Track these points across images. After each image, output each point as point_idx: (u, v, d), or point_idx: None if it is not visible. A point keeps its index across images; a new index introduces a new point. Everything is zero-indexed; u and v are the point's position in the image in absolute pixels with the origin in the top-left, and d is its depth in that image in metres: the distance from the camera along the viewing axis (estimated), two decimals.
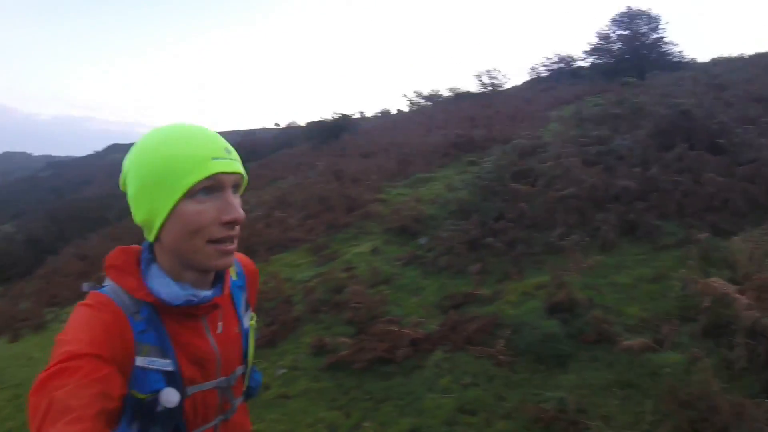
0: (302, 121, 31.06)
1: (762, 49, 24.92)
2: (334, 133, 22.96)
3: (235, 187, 1.13)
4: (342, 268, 7.13)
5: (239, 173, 1.12)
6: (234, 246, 1.13)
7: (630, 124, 9.79)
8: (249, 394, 1.40)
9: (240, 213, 1.10)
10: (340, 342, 5.14)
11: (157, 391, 1.05)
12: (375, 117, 29.74)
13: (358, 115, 27.61)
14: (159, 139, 1.09)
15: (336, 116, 24.63)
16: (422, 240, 7.54)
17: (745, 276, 4.19)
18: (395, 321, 5.30)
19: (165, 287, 1.10)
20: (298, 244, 8.77)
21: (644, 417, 3.31)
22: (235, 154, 1.13)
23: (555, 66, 28.63)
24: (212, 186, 1.07)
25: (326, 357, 4.96)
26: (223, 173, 1.07)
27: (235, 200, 1.11)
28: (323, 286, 6.59)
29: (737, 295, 3.74)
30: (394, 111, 30.10)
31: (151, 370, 1.06)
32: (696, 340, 3.95)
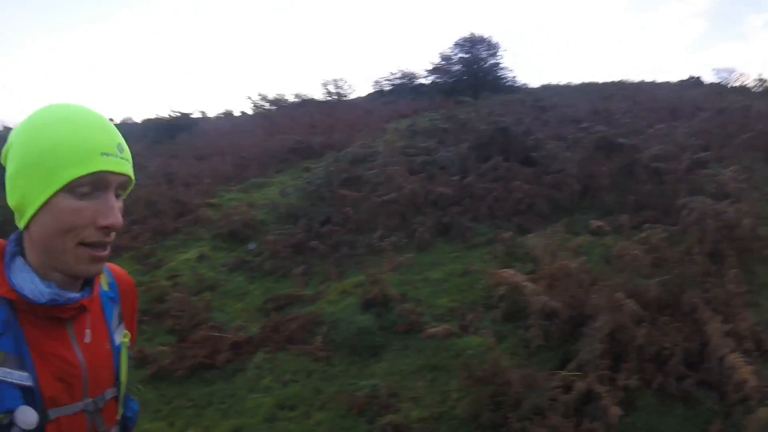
0: (139, 118, 28.75)
1: (587, 79, 28.14)
2: (170, 132, 21.17)
3: (120, 189, 1.01)
4: (166, 276, 6.84)
5: (128, 176, 1.01)
6: (107, 253, 1.02)
7: (455, 138, 10.56)
8: (125, 426, 1.23)
9: (119, 219, 0.98)
10: (160, 351, 4.96)
11: (13, 410, 0.91)
12: (217, 118, 28.57)
13: (198, 115, 26.27)
14: (50, 119, 0.97)
15: (174, 114, 23.08)
16: (251, 245, 7.50)
17: (546, 266, 4.75)
18: (218, 327, 5.25)
19: (29, 283, 0.97)
20: (121, 253, 8.23)
21: (450, 395, 3.66)
22: (127, 153, 1.02)
23: (398, 81, 29.74)
24: (95, 184, 0.95)
25: (147, 368, 4.76)
26: (110, 172, 0.96)
27: (117, 204, 0.99)
28: (145, 296, 6.25)
29: (527, 284, 4.25)
30: (237, 113, 29.16)
31: (6, 383, 0.92)
32: (497, 324, 4.48)
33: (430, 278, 5.64)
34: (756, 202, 5.98)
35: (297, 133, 15.27)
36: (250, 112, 29.00)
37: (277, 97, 30.35)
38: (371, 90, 30.77)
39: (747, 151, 8.42)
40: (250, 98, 34.38)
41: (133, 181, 1.05)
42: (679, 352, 3.44)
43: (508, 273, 4.54)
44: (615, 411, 3.06)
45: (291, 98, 30.06)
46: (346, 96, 29.91)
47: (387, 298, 4.99)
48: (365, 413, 3.68)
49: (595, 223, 5.83)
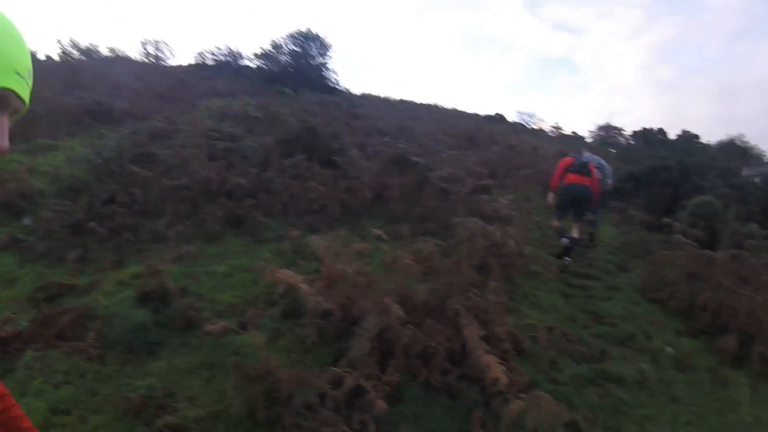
0: None
1: (406, 96, 29.70)
2: None
3: (11, 114, 0.93)
4: None
5: (25, 105, 0.93)
6: None
7: (264, 129, 10.39)
8: None
9: (6, 143, 0.90)
10: None
11: None
12: None
13: None
14: None
15: None
16: (27, 220, 6.47)
17: (325, 268, 4.83)
18: None
19: None
20: None
21: (226, 393, 3.51)
22: (31, 82, 0.94)
23: (223, 58, 28.53)
24: None
25: None
26: (15, 94, 0.88)
27: (6, 127, 0.91)
28: None
29: (301, 285, 4.31)
30: (41, 56, 25.36)
31: None
32: (276, 322, 4.42)
33: (215, 272, 5.42)
34: (524, 227, 6.87)
35: (99, 93, 13.81)
36: (56, 58, 25.57)
37: (90, 47, 27.37)
38: (193, 61, 29.15)
39: (528, 184, 9.57)
40: (59, 42, 30.36)
41: (23, 112, 0.97)
42: (442, 351, 3.76)
43: (285, 273, 4.54)
44: (380, 404, 3.23)
45: (105, 52, 27.38)
46: (164, 61, 28.04)
47: (166, 292, 4.65)
48: (142, 415, 3.42)
49: (377, 231, 6.10)
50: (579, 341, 4.87)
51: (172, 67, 27.53)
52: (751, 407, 4.45)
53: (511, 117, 28.63)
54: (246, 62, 28.16)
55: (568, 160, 7.30)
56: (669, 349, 5.07)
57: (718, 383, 4.68)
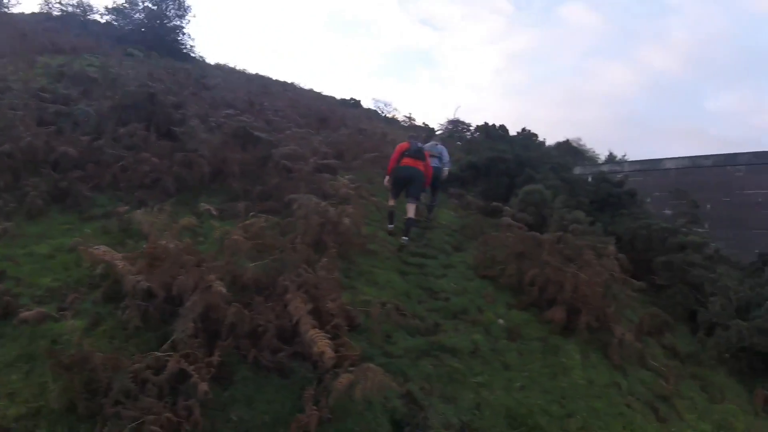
0: None
1: (264, 72, 28.62)
2: None
3: None
4: None
5: None
6: None
7: (102, 93, 9.52)
8: None
9: None
10: None
11: None
12: None
13: None
14: None
15: None
16: None
17: (149, 245, 4.50)
18: None
19: None
20: None
21: (48, 386, 3.18)
22: None
23: (70, 9, 25.50)
24: None
25: None
26: None
27: None
28: None
29: (119, 263, 3.99)
30: None
31: None
32: (98, 306, 4.06)
33: (36, 253, 4.89)
34: (361, 207, 7.05)
35: None
36: None
37: None
38: (37, 9, 25.82)
39: (373, 167, 9.81)
40: None
41: None
42: (272, 329, 3.69)
43: (102, 250, 4.18)
44: (203, 387, 3.10)
45: None
46: (7, 8, 24.62)
47: None
48: None
49: (206, 206, 5.75)
50: (414, 315, 5.04)
51: (14, 14, 24.29)
52: (582, 371, 4.89)
53: (367, 103, 29.14)
54: (96, 17, 25.50)
55: (404, 145, 7.69)
56: (501, 321, 5.42)
57: (549, 351, 5.07)
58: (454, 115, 30.53)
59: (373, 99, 37.61)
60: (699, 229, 10.00)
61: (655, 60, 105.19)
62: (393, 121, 25.74)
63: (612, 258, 6.53)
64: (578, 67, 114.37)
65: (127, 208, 5.76)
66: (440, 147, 9.15)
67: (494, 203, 9.94)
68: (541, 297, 5.81)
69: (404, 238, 7.12)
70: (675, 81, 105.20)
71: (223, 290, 3.60)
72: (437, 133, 21.83)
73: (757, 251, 9.31)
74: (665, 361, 5.83)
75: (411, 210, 7.29)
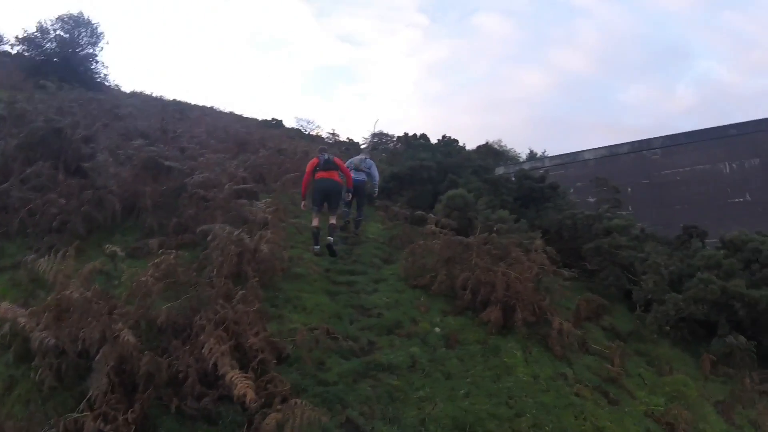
0: None
1: (181, 98, 27.66)
2: None
3: None
4: None
5: None
6: None
7: (9, 131, 8.87)
8: None
9: None
10: None
11: None
12: None
13: None
14: None
15: None
16: None
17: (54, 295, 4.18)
18: None
19: None
20: None
21: None
22: None
23: None
24: None
25: None
26: None
27: None
28: None
29: (22, 319, 3.69)
30: None
31: None
32: (11, 368, 3.75)
33: None
34: (282, 230, 7.01)
35: None
36: None
37: None
38: None
39: (294, 187, 9.72)
40: None
41: None
42: (193, 373, 3.48)
43: (3, 309, 3.86)
44: None
45: None
46: None
47: None
48: None
49: (111, 247, 5.35)
50: (346, 337, 4.93)
51: None
52: (525, 368, 4.89)
53: (289, 123, 28.84)
54: (6, 47, 23.93)
55: (314, 161, 7.73)
56: (437, 330, 5.39)
57: (489, 352, 5.05)
58: (375, 128, 30.57)
59: (296, 118, 37.30)
60: (623, 213, 10.43)
61: (568, 61, 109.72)
62: (317, 138, 25.57)
63: (540, 252, 6.67)
64: (495, 73, 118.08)
65: (34, 256, 5.33)
66: (369, 161, 9.24)
67: (419, 212, 10.01)
68: (475, 300, 5.81)
69: (329, 238, 7.23)
70: (587, 78, 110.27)
71: (132, 339, 3.37)
72: (362, 147, 21.81)
73: (681, 225, 9.70)
74: (607, 343, 5.98)
75: (332, 219, 7.48)
